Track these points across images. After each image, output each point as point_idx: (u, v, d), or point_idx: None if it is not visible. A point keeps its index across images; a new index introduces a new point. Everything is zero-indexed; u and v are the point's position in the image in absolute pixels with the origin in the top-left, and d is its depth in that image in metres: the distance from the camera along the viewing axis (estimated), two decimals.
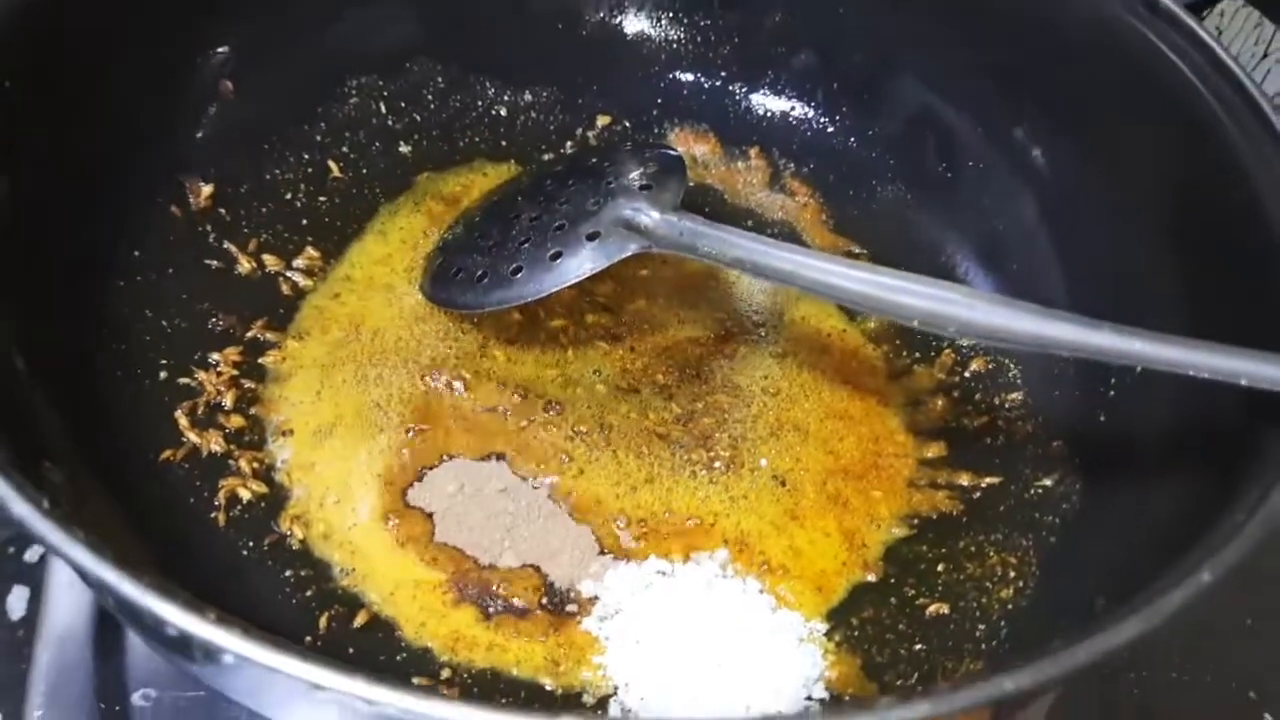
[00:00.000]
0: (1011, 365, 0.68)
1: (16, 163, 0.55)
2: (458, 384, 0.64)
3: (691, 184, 0.76)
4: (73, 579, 0.62)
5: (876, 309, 0.55)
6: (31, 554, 0.71)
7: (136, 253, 0.64)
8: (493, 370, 0.65)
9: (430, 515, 0.59)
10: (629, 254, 0.61)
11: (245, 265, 0.67)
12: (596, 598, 0.57)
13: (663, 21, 0.79)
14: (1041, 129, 0.69)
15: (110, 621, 0.61)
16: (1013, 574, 0.59)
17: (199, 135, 0.68)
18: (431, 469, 0.61)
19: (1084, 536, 0.58)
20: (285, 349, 0.65)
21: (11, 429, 0.45)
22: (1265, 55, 0.87)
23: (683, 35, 0.79)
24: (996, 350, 0.68)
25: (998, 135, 0.71)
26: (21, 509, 0.36)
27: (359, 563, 0.57)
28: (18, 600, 0.69)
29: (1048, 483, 0.62)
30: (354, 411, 0.63)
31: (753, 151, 0.78)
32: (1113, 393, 0.62)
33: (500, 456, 0.62)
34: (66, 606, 0.62)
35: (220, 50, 0.67)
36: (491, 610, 0.56)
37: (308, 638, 0.54)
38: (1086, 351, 0.50)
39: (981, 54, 0.71)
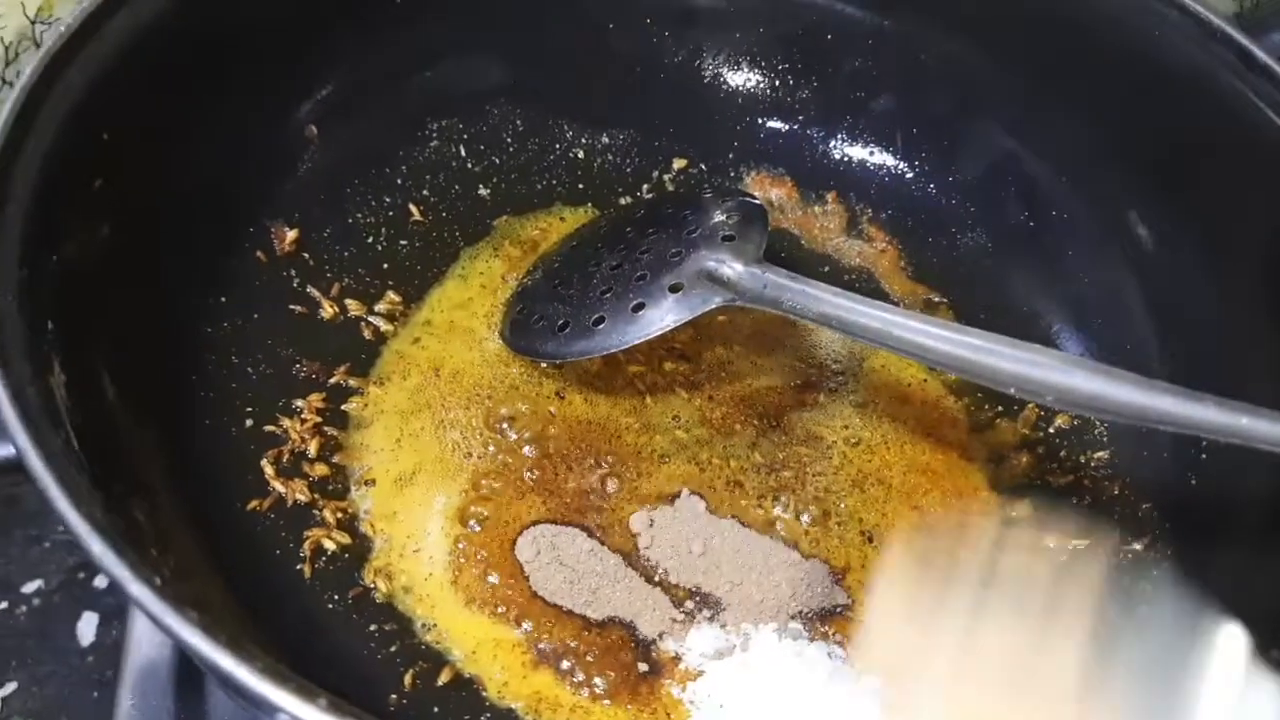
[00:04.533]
0: (1097, 423, 0.67)
1: (116, 214, 0.55)
2: (533, 431, 0.64)
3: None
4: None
5: (968, 373, 0.54)
6: (101, 580, 0.72)
7: (223, 299, 0.64)
8: (571, 417, 0.65)
9: (513, 574, 0.59)
10: (712, 307, 0.61)
11: (328, 310, 0.67)
12: (680, 659, 0.57)
13: (741, 65, 0.78)
14: (1129, 181, 0.68)
15: (191, 664, 0.61)
16: None
17: (285, 180, 0.68)
18: (518, 535, 0.61)
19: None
20: (367, 395, 0.65)
21: (109, 476, 0.45)
22: None
23: (760, 79, 0.78)
24: None
25: (1083, 186, 0.70)
26: (137, 590, 0.36)
27: (440, 617, 0.57)
28: (87, 626, 0.70)
29: (1137, 547, 0.61)
30: (434, 459, 0.63)
31: (830, 196, 0.78)
32: (1204, 455, 0.61)
33: (580, 516, 0.62)
34: (148, 650, 0.62)
35: (315, 97, 0.68)
36: (573, 672, 0.56)
37: (393, 695, 0.54)
38: (1189, 427, 0.49)
39: (1067, 103, 0.70)
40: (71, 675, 0.69)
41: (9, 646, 0.68)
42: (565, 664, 0.56)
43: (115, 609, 0.71)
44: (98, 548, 0.37)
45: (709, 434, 0.66)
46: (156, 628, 0.35)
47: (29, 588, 0.71)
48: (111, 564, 0.37)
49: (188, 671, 0.61)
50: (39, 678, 0.68)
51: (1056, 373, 0.52)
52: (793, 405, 0.68)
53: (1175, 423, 0.49)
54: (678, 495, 0.63)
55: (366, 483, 0.61)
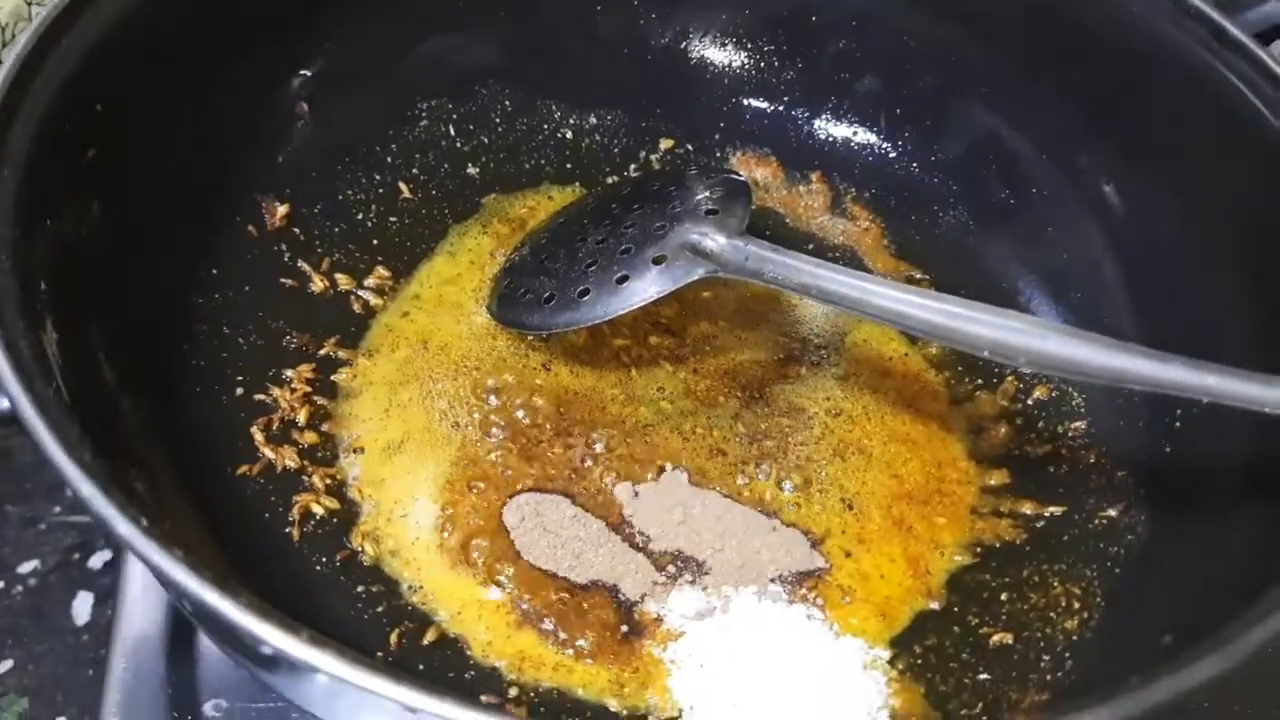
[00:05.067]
0: (1075, 394, 0.68)
1: (109, 185, 0.56)
2: (520, 401, 0.65)
3: (753, 208, 0.75)
4: (145, 589, 0.64)
5: (945, 338, 0.55)
6: (96, 560, 0.73)
7: (214, 271, 0.65)
8: (557, 388, 0.66)
9: (499, 539, 0.60)
10: (695, 279, 0.62)
11: (318, 284, 0.68)
12: (661, 620, 0.58)
13: (727, 47, 0.80)
14: (1107, 158, 0.69)
15: (182, 631, 0.62)
16: (1077, 605, 0.59)
17: (276, 156, 0.69)
18: (505, 502, 0.61)
19: (1151, 570, 0.58)
20: (356, 366, 0.66)
21: (102, 438, 0.46)
22: None
23: (746, 60, 0.80)
24: (1061, 379, 0.68)
25: (1063, 163, 0.71)
26: (125, 529, 0.37)
27: (426, 579, 0.58)
28: (83, 605, 0.71)
29: (1112, 513, 0.62)
30: (422, 428, 0.64)
31: (814, 176, 0.79)
32: (1179, 424, 0.62)
33: (565, 484, 0.62)
34: (140, 616, 0.63)
35: (303, 73, 0.69)
36: (556, 632, 0.57)
37: (379, 653, 0.55)
38: (1159, 386, 0.50)
39: (1047, 83, 0.71)
40: (66, 654, 0.69)
41: (5, 626, 0.69)
42: (548, 624, 0.57)
43: (110, 589, 0.71)
44: (87, 489, 0.38)
45: (693, 405, 0.67)
46: (145, 566, 0.36)
47: (25, 568, 0.72)
48: (100, 505, 0.38)
49: (179, 636, 0.62)
50: (34, 656, 0.68)
51: (1030, 337, 0.53)
52: (775, 378, 0.69)
53: (1146, 382, 0.50)
54: (663, 468, 0.63)
55: (355, 450, 0.62)
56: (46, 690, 0.68)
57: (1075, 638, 0.57)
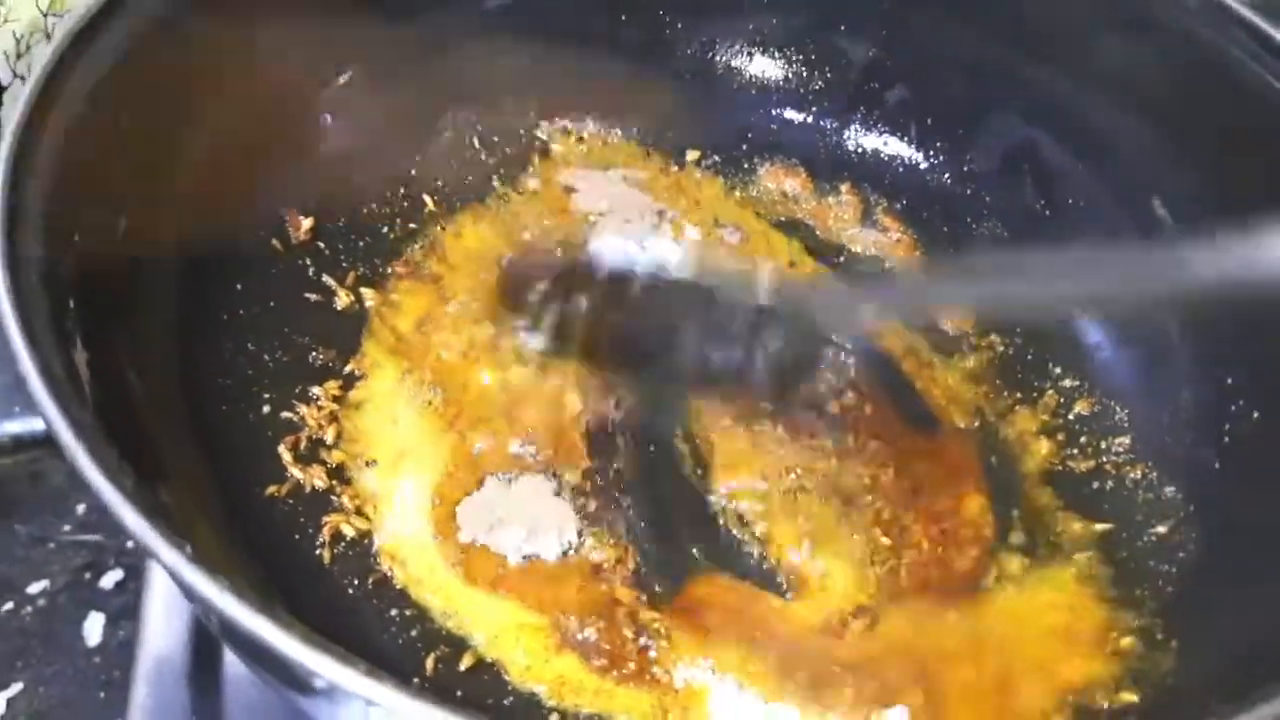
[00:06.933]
0: (1118, 408, 0.67)
1: (133, 199, 0.55)
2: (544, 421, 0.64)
3: (782, 219, 0.76)
4: (167, 609, 0.62)
5: None
6: (107, 579, 0.72)
7: (239, 286, 0.64)
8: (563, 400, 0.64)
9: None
10: None
11: (343, 299, 0.67)
12: None
13: (755, 57, 0.79)
14: (1152, 169, 0.68)
15: (206, 652, 0.61)
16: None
17: (301, 169, 0.68)
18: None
19: (1204, 588, 0.57)
20: (371, 380, 0.64)
21: (135, 460, 0.44)
22: None
23: (774, 70, 0.79)
24: (1103, 393, 0.67)
25: (1103, 174, 0.70)
26: (170, 557, 0.35)
27: (460, 604, 0.56)
28: (94, 626, 0.70)
29: (1162, 530, 0.61)
30: (418, 440, 0.62)
31: (844, 187, 0.78)
32: (1228, 438, 0.61)
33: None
34: (162, 637, 0.61)
35: (331, 83, 0.68)
36: (598, 655, 0.55)
37: (415, 679, 0.53)
38: None
39: (1084, 93, 0.70)
40: (77, 676, 0.68)
41: (14, 648, 0.68)
42: (589, 645, 0.55)
43: (122, 609, 0.70)
44: (131, 518, 0.36)
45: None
46: (188, 599, 0.35)
47: (34, 588, 0.71)
48: (145, 533, 0.36)
49: (203, 658, 0.60)
50: (45, 679, 0.67)
51: None
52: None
53: None
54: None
55: (368, 464, 0.61)
56: (57, 713, 0.67)
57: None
